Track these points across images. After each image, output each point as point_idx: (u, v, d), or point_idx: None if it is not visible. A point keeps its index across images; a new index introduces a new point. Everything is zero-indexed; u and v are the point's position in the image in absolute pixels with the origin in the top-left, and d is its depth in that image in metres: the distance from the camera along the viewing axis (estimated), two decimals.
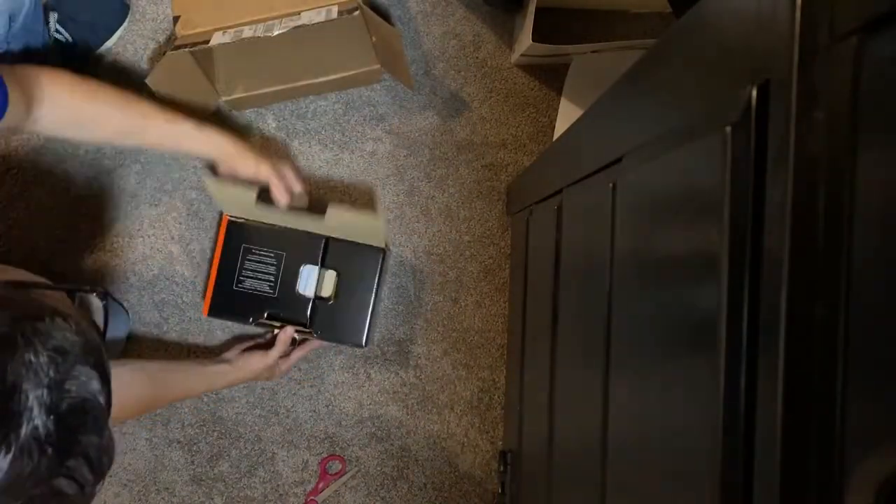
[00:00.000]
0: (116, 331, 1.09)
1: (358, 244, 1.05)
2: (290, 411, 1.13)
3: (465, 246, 1.14)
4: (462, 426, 1.14)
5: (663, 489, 0.42)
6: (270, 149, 1.14)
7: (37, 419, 0.48)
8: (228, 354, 1.05)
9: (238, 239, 1.05)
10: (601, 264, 0.55)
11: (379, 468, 1.14)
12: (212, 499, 1.12)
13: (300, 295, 1.06)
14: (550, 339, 0.76)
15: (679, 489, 0.39)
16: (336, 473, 1.13)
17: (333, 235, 1.05)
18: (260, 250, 1.05)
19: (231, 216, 1.05)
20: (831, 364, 0.28)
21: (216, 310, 1.06)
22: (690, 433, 0.38)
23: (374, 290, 1.06)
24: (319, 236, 1.05)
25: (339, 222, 1.02)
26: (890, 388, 0.26)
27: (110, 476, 1.11)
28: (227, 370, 1.02)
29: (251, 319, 1.05)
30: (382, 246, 1.05)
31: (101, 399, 0.53)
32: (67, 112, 0.84)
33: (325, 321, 1.05)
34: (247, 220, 1.05)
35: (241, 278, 1.05)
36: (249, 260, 1.05)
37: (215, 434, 1.12)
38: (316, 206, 1.09)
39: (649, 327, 0.45)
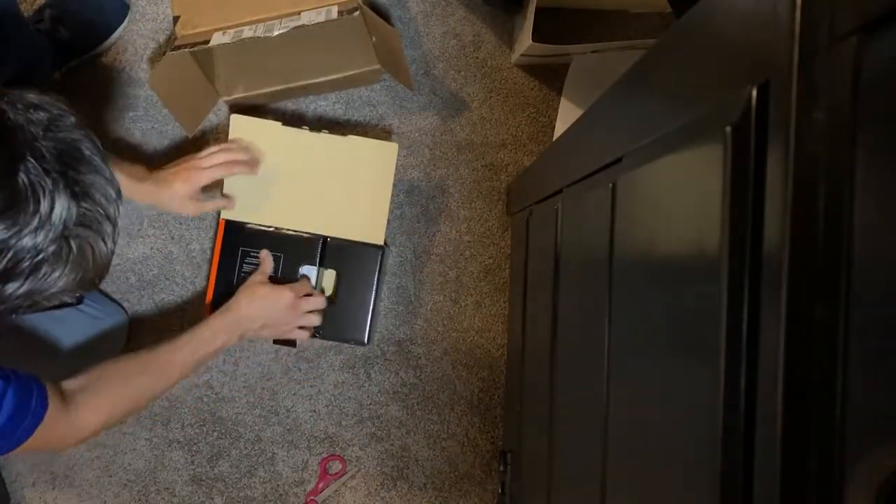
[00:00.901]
0: (115, 333, 1.09)
1: (356, 242, 1.04)
2: (290, 411, 1.13)
3: (465, 246, 1.14)
4: (462, 426, 1.14)
5: (663, 489, 0.42)
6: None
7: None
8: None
9: (235, 241, 1.04)
10: (601, 264, 0.55)
11: (379, 468, 1.14)
12: (212, 499, 1.12)
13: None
14: (550, 340, 0.76)
15: (679, 489, 0.39)
16: (336, 473, 1.13)
17: (331, 235, 1.03)
18: (257, 252, 1.04)
19: (227, 218, 1.04)
20: (831, 364, 0.28)
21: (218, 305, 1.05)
22: (691, 433, 0.38)
23: (375, 288, 1.05)
24: (317, 236, 1.03)
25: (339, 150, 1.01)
26: (890, 388, 0.26)
27: (110, 476, 1.11)
28: (217, 319, 0.95)
29: None
30: (381, 243, 1.04)
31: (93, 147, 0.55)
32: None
33: (327, 321, 1.05)
34: (244, 223, 1.03)
35: (241, 280, 1.04)
36: (248, 263, 1.04)
37: (215, 434, 1.12)
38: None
39: (649, 327, 0.45)
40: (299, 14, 0.97)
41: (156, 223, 1.12)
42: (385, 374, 1.13)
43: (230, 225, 1.03)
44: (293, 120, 1.13)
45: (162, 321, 1.12)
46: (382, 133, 1.14)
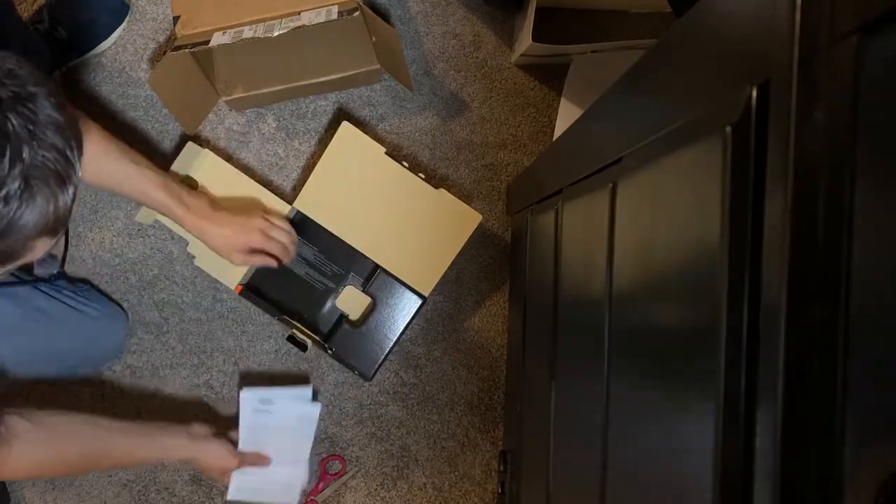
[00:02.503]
0: (115, 333, 1.09)
1: (403, 283, 1.04)
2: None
3: (465, 246, 1.14)
4: (462, 426, 1.14)
5: (664, 489, 0.42)
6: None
7: None
8: (195, 429, 0.98)
9: (297, 230, 1.04)
10: (601, 264, 0.55)
11: (379, 468, 1.14)
12: (212, 499, 1.12)
13: (333, 307, 1.06)
14: (551, 339, 0.76)
15: (679, 489, 0.39)
16: (336, 473, 1.13)
17: (385, 266, 1.04)
18: (315, 251, 1.06)
19: (300, 209, 1.04)
20: (831, 364, 0.28)
21: (251, 290, 1.05)
22: (690, 433, 0.38)
23: (399, 333, 1.05)
24: (370, 261, 1.05)
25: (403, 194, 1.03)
26: (890, 388, 0.26)
27: (110, 476, 1.11)
28: (184, 445, 0.96)
29: (277, 317, 1.06)
30: (426, 294, 1.05)
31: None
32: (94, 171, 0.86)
33: (342, 341, 1.06)
34: (313, 218, 1.04)
35: (292, 266, 1.05)
36: (302, 256, 1.06)
37: None
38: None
39: (649, 327, 0.45)
40: (299, 14, 0.97)
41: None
42: (385, 374, 1.13)
43: (300, 214, 1.04)
44: (293, 119, 1.13)
45: (162, 321, 1.12)
46: (383, 133, 1.14)
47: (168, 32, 1.12)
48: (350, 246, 1.04)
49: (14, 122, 0.52)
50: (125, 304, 1.12)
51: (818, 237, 0.29)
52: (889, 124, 0.26)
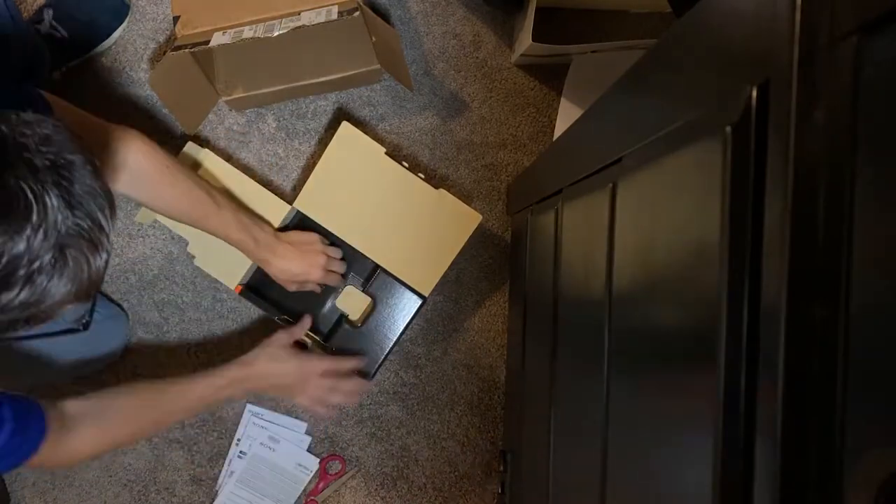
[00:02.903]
0: (116, 334, 1.09)
1: (403, 283, 1.05)
2: (291, 411, 1.13)
3: (466, 246, 1.14)
4: (462, 426, 1.14)
5: (664, 489, 0.42)
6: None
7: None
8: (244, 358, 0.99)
9: (297, 228, 1.05)
10: (601, 264, 0.55)
11: (379, 468, 1.14)
12: (212, 499, 1.12)
13: (333, 307, 1.07)
14: (550, 339, 0.76)
15: (680, 489, 0.39)
16: (336, 473, 1.13)
17: (384, 266, 1.04)
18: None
19: (300, 209, 1.04)
20: (831, 364, 0.28)
21: (251, 290, 1.06)
22: (690, 433, 0.38)
23: (399, 333, 1.05)
24: (370, 261, 1.05)
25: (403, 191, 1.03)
26: (890, 388, 0.26)
27: (110, 476, 1.11)
28: (230, 369, 0.96)
29: (277, 317, 1.06)
30: (426, 294, 1.05)
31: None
32: (151, 196, 0.88)
33: (342, 341, 1.06)
34: (312, 218, 1.04)
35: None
36: None
37: (215, 434, 1.12)
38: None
39: (649, 327, 0.45)
40: (299, 14, 0.97)
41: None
42: (385, 374, 1.13)
43: (300, 214, 1.04)
44: (293, 119, 1.13)
45: (162, 321, 1.12)
46: (383, 133, 1.14)
47: (168, 32, 1.12)
48: (350, 246, 1.05)
49: (50, 192, 0.52)
50: (125, 305, 1.12)
51: (818, 237, 0.29)
52: (889, 124, 0.26)
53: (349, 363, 1.02)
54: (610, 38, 1.10)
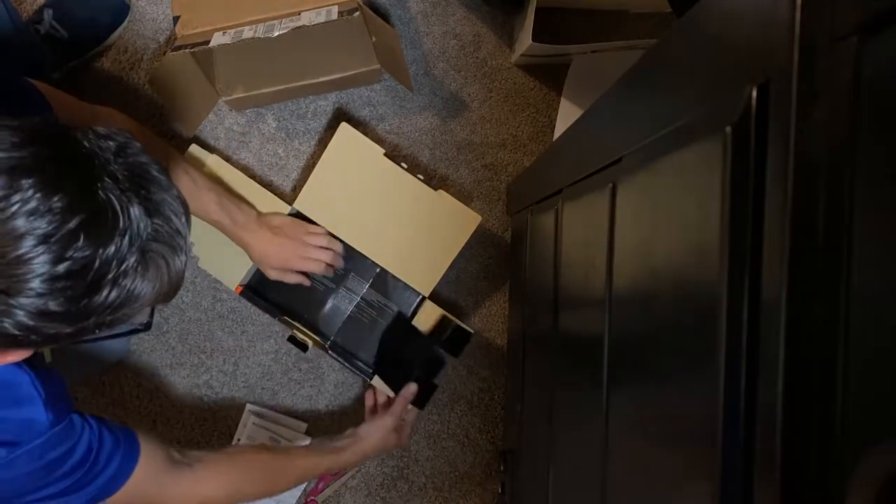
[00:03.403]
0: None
1: (403, 283, 1.05)
2: (291, 412, 1.13)
3: (466, 246, 1.14)
4: (462, 426, 1.14)
5: (664, 489, 0.42)
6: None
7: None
8: (347, 432, 1.02)
9: None
10: (601, 264, 0.55)
11: (379, 468, 1.14)
12: None
13: (333, 306, 1.07)
14: (550, 339, 0.76)
15: (679, 489, 0.39)
16: (336, 473, 1.13)
17: (385, 267, 1.05)
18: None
19: (300, 209, 1.04)
20: (831, 364, 0.28)
21: (251, 290, 1.06)
22: (691, 433, 0.38)
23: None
24: (370, 261, 1.05)
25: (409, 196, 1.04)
26: (890, 388, 0.26)
27: None
28: (350, 444, 0.99)
29: (277, 317, 1.06)
30: (426, 294, 1.05)
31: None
32: None
33: (343, 341, 1.07)
34: (312, 219, 1.04)
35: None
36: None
37: (215, 434, 1.12)
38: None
39: (649, 326, 0.45)
40: (299, 14, 0.97)
41: None
42: None
43: (300, 215, 1.05)
44: (293, 119, 1.13)
45: (162, 321, 1.12)
46: (383, 133, 1.14)
47: (168, 32, 1.12)
48: (350, 246, 1.05)
49: (133, 201, 0.55)
50: None
51: (818, 237, 0.29)
52: (889, 124, 0.26)
53: (404, 405, 1.05)
54: (610, 38, 1.10)
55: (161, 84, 1.00)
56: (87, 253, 0.52)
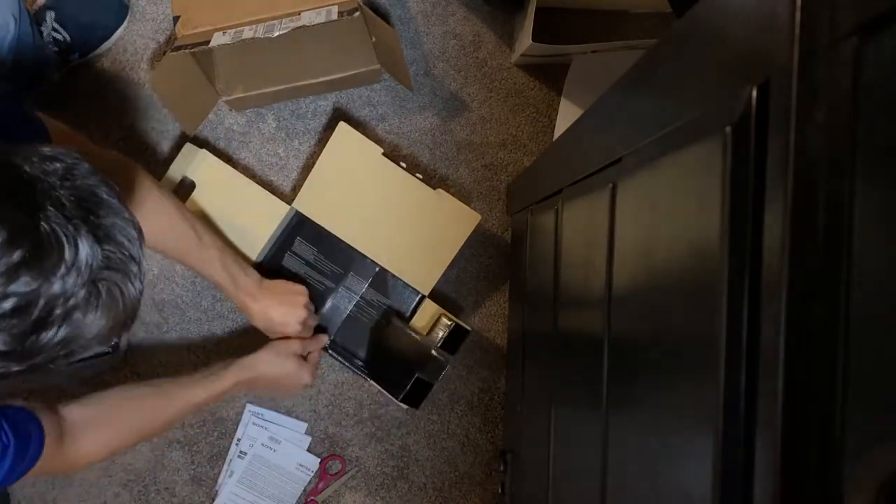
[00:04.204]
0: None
1: (403, 282, 1.05)
2: (291, 412, 1.13)
3: (466, 246, 1.14)
4: (462, 426, 1.14)
5: (664, 489, 0.42)
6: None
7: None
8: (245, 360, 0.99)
9: (296, 229, 1.05)
10: (601, 264, 0.55)
11: (379, 468, 1.14)
12: (212, 499, 1.12)
13: (333, 306, 1.07)
14: (550, 339, 0.76)
15: (680, 489, 0.39)
16: (336, 473, 1.13)
17: (384, 266, 1.05)
18: (315, 252, 1.06)
19: (299, 209, 1.05)
20: (831, 364, 0.28)
21: None
22: (691, 432, 0.38)
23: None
24: (370, 260, 1.05)
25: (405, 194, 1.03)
26: (890, 388, 0.26)
27: (110, 476, 1.11)
28: (233, 373, 0.96)
29: None
30: (426, 293, 1.05)
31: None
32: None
33: (343, 340, 1.07)
34: (313, 219, 1.05)
35: (280, 264, 1.05)
36: (293, 252, 1.06)
37: (215, 434, 1.12)
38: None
39: (649, 326, 0.45)
40: (299, 14, 0.97)
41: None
42: None
43: (299, 215, 1.05)
44: (293, 119, 1.13)
45: (162, 321, 1.12)
46: (383, 133, 1.14)
47: (168, 32, 1.12)
48: (349, 245, 1.05)
49: (80, 229, 0.52)
50: None
51: (818, 237, 0.29)
52: (889, 124, 0.26)
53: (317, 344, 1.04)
54: (610, 38, 1.10)
55: (161, 84, 1.00)
56: (31, 288, 0.49)
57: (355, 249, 1.05)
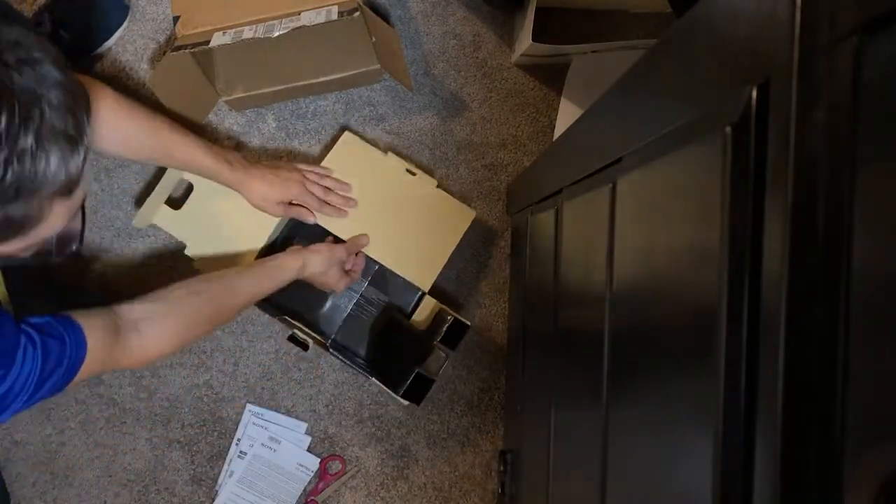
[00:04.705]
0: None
1: (402, 279, 1.05)
2: (291, 412, 1.13)
3: (466, 246, 1.14)
4: (462, 426, 1.14)
5: (664, 488, 0.42)
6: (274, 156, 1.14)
7: None
8: (292, 247, 1.01)
9: (295, 230, 1.06)
10: (601, 264, 0.55)
11: (379, 468, 1.14)
12: (212, 499, 1.12)
13: (333, 305, 1.07)
14: (550, 339, 0.76)
15: (680, 489, 0.39)
16: (336, 473, 1.13)
17: (383, 264, 1.05)
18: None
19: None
20: (831, 364, 0.28)
21: None
22: (690, 433, 0.38)
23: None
24: (370, 259, 1.05)
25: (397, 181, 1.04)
26: (890, 388, 0.26)
27: (109, 476, 1.11)
28: (291, 260, 0.96)
29: (277, 317, 1.06)
30: (426, 289, 1.05)
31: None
32: (108, 131, 0.86)
33: (344, 339, 1.08)
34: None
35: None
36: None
37: (215, 434, 1.12)
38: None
39: (649, 326, 0.45)
40: (299, 14, 0.97)
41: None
42: None
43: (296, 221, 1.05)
44: (293, 119, 1.13)
45: None
46: (383, 133, 1.14)
47: (168, 32, 1.12)
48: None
49: (22, 83, 0.54)
50: None
51: (818, 237, 0.29)
52: (889, 124, 0.26)
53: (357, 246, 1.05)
54: (610, 38, 1.10)
55: (161, 84, 1.00)
56: None
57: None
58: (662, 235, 0.44)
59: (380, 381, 1.02)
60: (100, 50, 1.10)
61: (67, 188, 0.59)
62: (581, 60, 1.11)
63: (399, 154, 1.10)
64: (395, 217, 1.05)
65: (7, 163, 0.53)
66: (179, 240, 1.05)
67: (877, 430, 0.27)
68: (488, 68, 1.15)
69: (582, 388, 0.63)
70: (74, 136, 0.58)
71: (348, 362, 1.05)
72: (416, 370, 0.98)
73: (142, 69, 1.12)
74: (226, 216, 1.04)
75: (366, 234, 1.04)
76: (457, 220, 1.06)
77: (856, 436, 0.28)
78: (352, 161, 1.05)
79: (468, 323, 1.02)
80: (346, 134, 1.06)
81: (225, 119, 1.13)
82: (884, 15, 0.26)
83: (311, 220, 1.02)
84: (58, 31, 1.05)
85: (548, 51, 1.05)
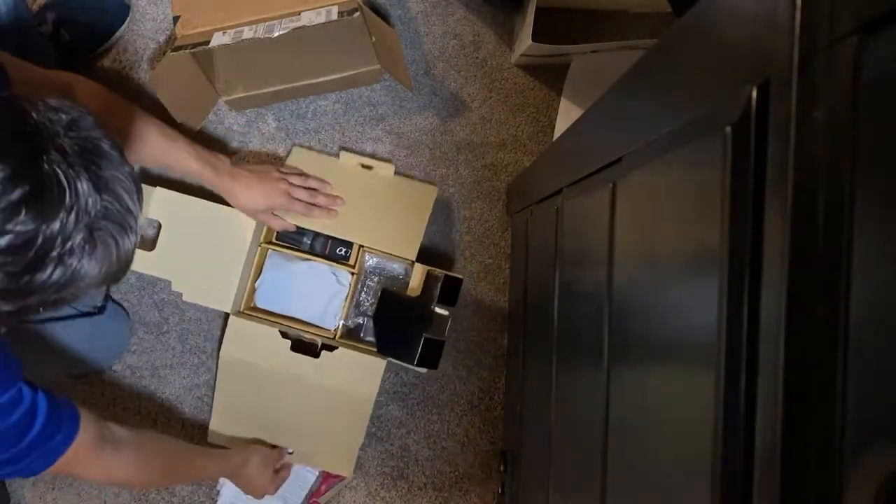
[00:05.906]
0: (118, 332, 1.09)
1: (390, 255, 1.06)
2: None
3: (465, 246, 1.14)
4: (462, 426, 1.14)
5: (664, 489, 0.42)
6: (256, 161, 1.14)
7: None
8: (240, 447, 1.05)
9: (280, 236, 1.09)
10: (601, 264, 0.55)
11: (379, 468, 1.14)
12: (212, 499, 1.12)
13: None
14: (550, 339, 0.76)
15: (679, 490, 0.39)
16: (337, 475, 1.12)
17: (366, 244, 1.06)
18: (294, 244, 1.09)
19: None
20: (831, 364, 0.28)
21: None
22: (691, 433, 0.38)
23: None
24: (361, 247, 1.06)
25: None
26: (890, 388, 0.26)
27: None
28: (235, 460, 1.01)
29: (278, 328, 1.06)
30: (413, 258, 1.05)
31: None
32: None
33: (345, 337, 1.09)
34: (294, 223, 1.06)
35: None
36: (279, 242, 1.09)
37: None
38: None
39: (649, 326, 0.45)
40: (299, 14, 0.97)
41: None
42: (385, 373, 1.13)
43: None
44: (293, 119, 1.13)
45: (162, 321, 1.12)
46: (383, 133, 1.14)
47: (168, 32, 1.12)
48: (332, 237, 1.07)
49: (81, 176, 0.53)
50: (125, 304, 1.12)
51: (818, 237, 0.29)
52: (889, 124, 0.26)
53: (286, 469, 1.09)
54: (610, 38, 1.10)
55: (161, 84, 1.00)
56: (29, 227, 0.50)
57: (339, 238, 1.07)
58: (662, 235, 0.44)
59: (392, 357, 1.02)
60: (100, 50, 1.10)
61: (115, 276, 0.59)
62: (581, 60, 1.11)
63: (352, 151, 1.12)
64: (366, 205, 1.07)
65: (59, 262, 0.52)
66: (163, 277, 1.05)
67: (876, 430, 0.27)
68: (488, 68, 1.15)
69: (582, 388, 0.63)
70: (126, 227, 0.57)
71: (358, 346, 1.06)
72: (424, 336, 0.98)
73: (142, 69, 1.12)
74: (201, 243, 1.04)
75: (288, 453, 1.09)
76: (422, 197, 1.09)
77: (856, 436, 0.28)
78: (307, 170, 1.07)
79: (460, 277, 1.02)
80: (295, 148, 1.10)
81: (225, 119, 1.13)
82: (884, 15, 0.26)
83: (291, 229, 1.05)
84: (58, 30, 1.05)
85: (548, 51, 1.05)
